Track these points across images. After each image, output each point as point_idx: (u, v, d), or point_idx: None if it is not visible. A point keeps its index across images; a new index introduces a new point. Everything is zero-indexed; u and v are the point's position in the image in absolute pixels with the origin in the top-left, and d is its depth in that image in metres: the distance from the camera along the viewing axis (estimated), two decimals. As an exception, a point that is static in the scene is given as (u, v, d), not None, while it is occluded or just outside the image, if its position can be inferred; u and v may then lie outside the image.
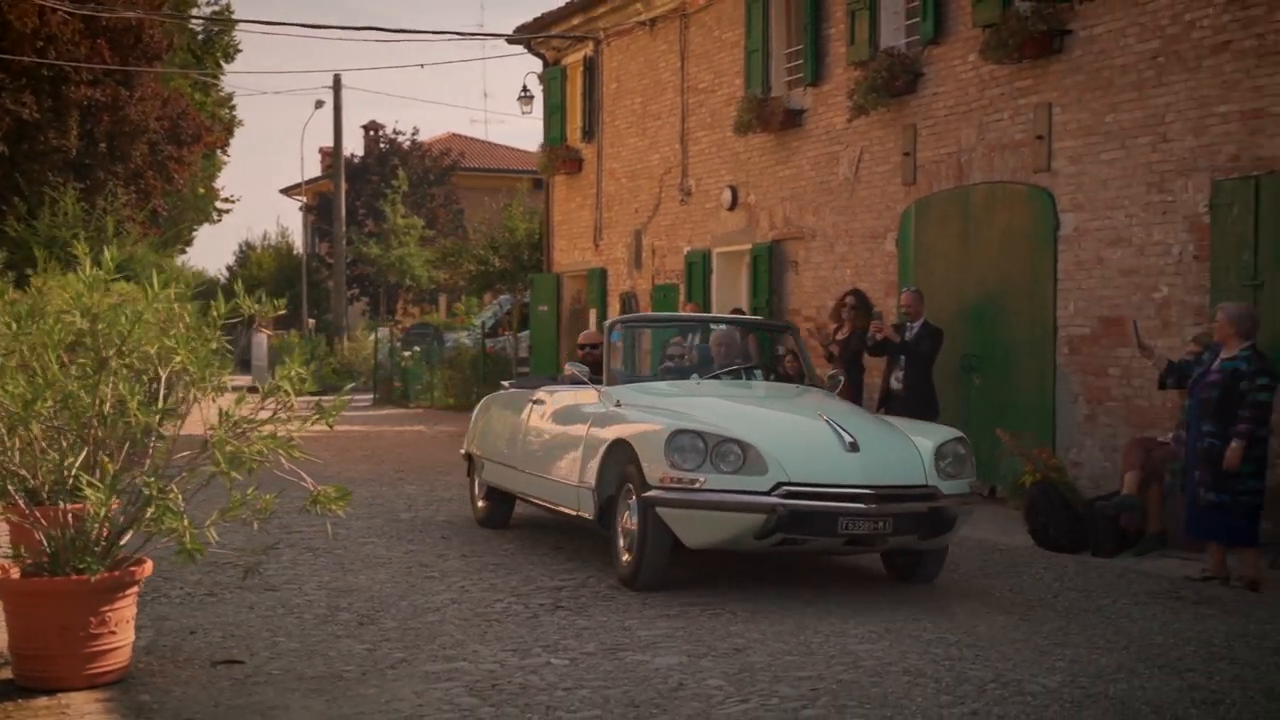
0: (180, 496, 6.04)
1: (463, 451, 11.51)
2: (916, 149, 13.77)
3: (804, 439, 8.07)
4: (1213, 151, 10.53)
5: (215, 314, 6.28)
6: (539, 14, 21.62)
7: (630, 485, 8.19)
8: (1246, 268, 10.23)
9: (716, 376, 9.66)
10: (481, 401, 11.70)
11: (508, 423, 10.59)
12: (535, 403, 10.16)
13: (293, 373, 6.05)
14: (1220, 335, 8.84)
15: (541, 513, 10.17)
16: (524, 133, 58.34)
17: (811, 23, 15.45)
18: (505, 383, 11.79)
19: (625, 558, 8.28)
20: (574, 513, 8.97)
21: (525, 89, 23.50)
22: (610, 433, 8.52)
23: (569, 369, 9.71)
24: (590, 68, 20.92)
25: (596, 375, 9.52)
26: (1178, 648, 7.08)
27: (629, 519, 8.25)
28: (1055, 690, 6.20)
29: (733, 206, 17.09)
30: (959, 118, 13.23)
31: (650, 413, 8.52)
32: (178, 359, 6.15)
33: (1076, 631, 7.44)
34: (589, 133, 20.98)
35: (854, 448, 7.91)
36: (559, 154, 21.54)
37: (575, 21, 20.75)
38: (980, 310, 12.84)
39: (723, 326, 10.65)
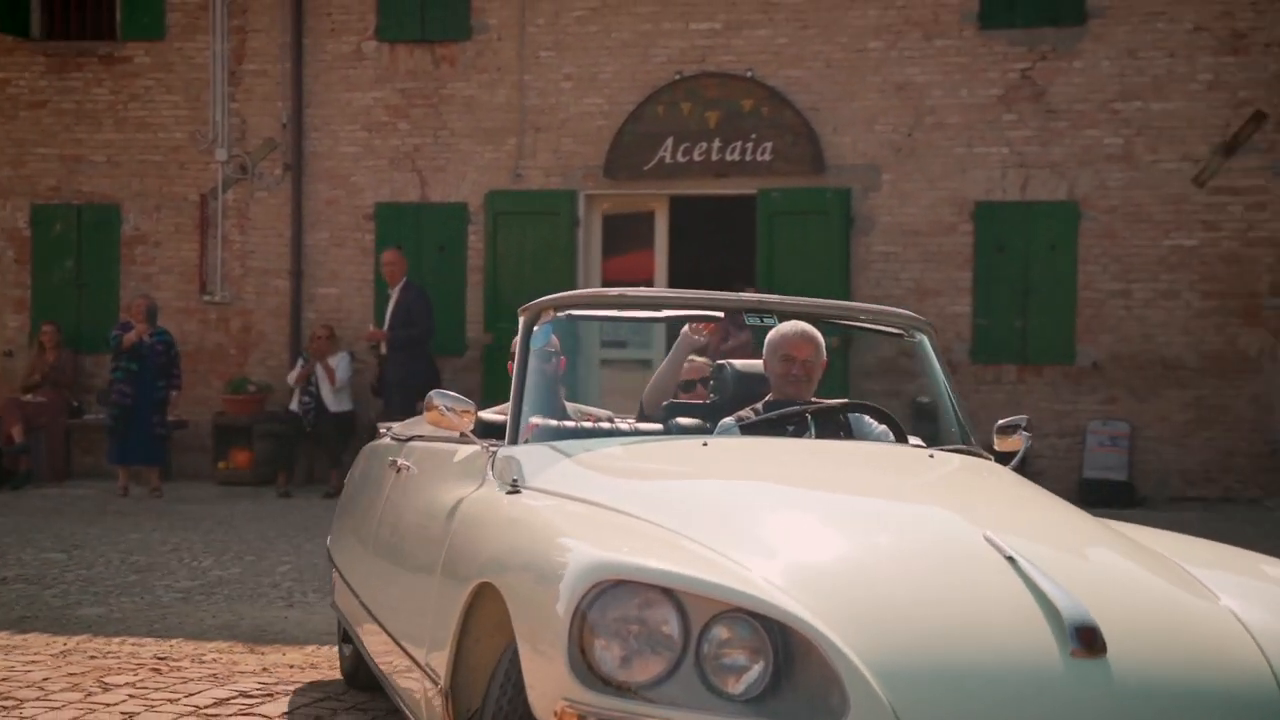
0: None
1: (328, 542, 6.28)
2: None
3: (956, 616, 2.99)
4: (33, 182, 13.87)
5: None
6: None
7: (509, 698, 3.19)
8: (71, 271, 13.86)
9: (755, 424, 4.62)
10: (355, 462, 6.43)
11: (361, 507, 5.70)
12: (396, 469, 5.19)
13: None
14: (136, 316, 12.48)
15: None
16: None
17: None
18: (383, 428, 6.13)
19: None
20: None
21: None
22: (475, 564, 3.59)
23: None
24: None
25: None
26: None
27: None
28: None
29: None
30: None
31: (559, 514, 3.65)
32: None
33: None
34: None
35: (1090, 643, 2.87)
36: None
37: None
38: None
39: (776, 321, 4.85)
